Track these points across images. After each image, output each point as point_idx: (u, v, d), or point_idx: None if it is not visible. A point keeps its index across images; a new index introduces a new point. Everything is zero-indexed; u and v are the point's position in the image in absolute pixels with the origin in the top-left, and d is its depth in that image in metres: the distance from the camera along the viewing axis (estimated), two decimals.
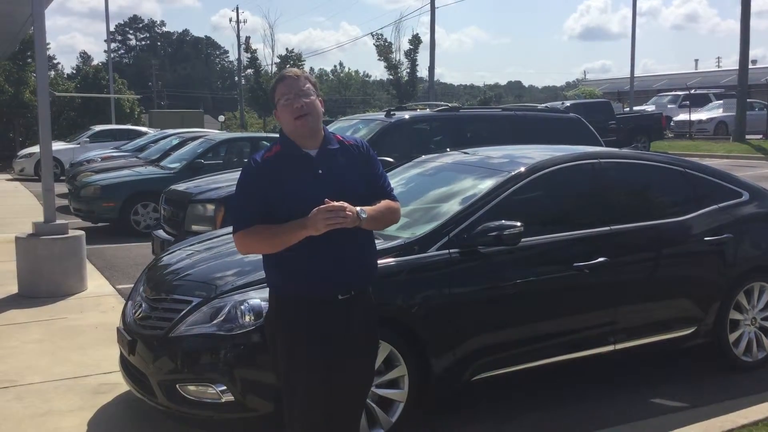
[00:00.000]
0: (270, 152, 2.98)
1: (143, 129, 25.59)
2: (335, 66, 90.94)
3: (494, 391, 4.47)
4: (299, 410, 2.95)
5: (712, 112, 30.52)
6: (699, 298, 4.91)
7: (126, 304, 4.59)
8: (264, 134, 17.15)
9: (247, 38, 49.84)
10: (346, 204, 2.77)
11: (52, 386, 4.83)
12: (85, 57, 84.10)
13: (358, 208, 2.81)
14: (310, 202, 2.77)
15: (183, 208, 7.97)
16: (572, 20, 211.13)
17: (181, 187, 8.72)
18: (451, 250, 4.12)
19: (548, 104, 21.12)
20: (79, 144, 22.51)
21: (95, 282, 7.81)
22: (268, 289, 3.59)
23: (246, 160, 3.42)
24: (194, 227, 7.59)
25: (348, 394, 3.04)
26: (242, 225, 2.91)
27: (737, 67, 28.16)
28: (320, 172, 2.91)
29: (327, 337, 2.91)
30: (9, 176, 24.06)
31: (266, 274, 3.06)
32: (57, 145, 20.16)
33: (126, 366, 4.25)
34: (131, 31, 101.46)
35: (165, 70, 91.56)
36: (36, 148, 21.17)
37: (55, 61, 74.05)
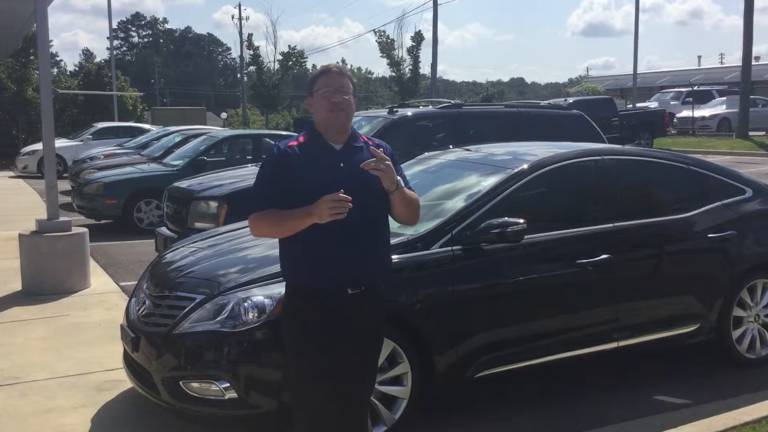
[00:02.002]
0: (295, 141, 3.04)
1: (146, 126, 25.62)
2: (338, 63, 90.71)
3: (497, 388, 4.47)
4: (308, 408, 3.00)
5: (715, 108, 30.41)
6: (702, 295, 4.90)
7: (129, 301, 4.60)
8: (266, 131, 17.14)
9: (250, 35, 49.76)
10: (387, 158, 2.84)
11: (55, 383, 4.83)
12: (87, 54, 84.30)
13: (398, 178, 2.92)
14: (330, 193, 2.80)
15: (186, 206, 7.97)
16: (575, 17, 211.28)
17: (184, 184, 8.72)
18: (454, 248, 4.12)
19: (551, 101, 21.11)
20: (81, 141, 22.53)
21: (98, 279, 7.81)
22: (271, 285, 3.63)
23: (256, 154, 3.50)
24: (197, 224, 7.60)
25: (353, 391, 3.06)
26: (256, 208, 2.98)
27: (740, 64, 28.09)
28: (342, 165, 2.96)
29: (335, 331, 2.94)
30: (12, 173, 24.10)
31: (281, 265, 3.10)
32: (60, 143, 20.13)
33: (129, 363, 4.26)
34: (134, 29, 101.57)
35: (167, 68, 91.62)
36: (39, 146, 21.24)
37: (57, 59, 74.11)
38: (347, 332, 2.96)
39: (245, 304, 3.74)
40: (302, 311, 2.97)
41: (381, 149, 3.00)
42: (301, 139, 3.04)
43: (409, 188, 3.10)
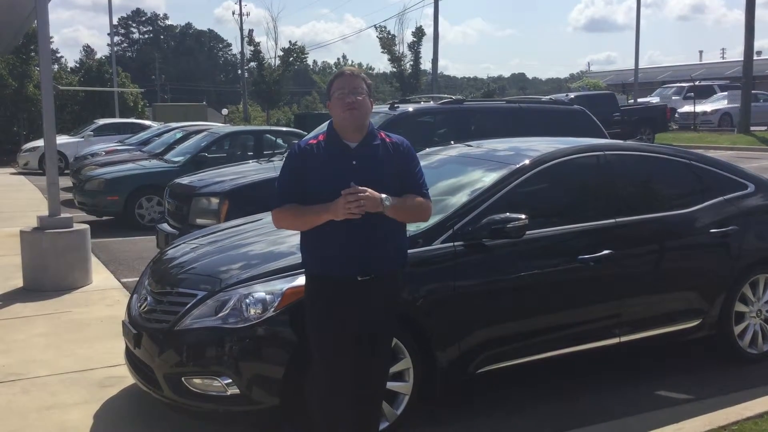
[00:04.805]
0: (314, 139, 3.24)
1: (147, 122, 25.60)
2: (338, 59, 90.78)
3: (499, 384, 4.47)
4: (323, 393, 3.23)
5: (717, 103, 30.36)
6: (704, 291, 4.90)
7: (131, 298, 4.60)
8: (267, 127, 17.12)
9: (251, 31, 49.86)
10: (367, 189, 2.97)
11: (57, 379, 4.84)
12: (88, 50, 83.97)
13: (382, 195, 3.01)
14: (340, 189, 2.99)
15: (187, 202, 7.97)
16: (577, 11, 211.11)
17: (185, 180, 8.72)
18: (456, 243, 4.12)
19: (552, 96, 21.05)
20: (83, 138, 22.54)
21: (100, 275, 7.82)
22: (273, 282, 3.71)
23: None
24: (198, 221, 7.60)
25: (365, 379, 3.24)
26: (278, 202, 3.21)
27: (742, 59, 28.04)
28: (354, 163, 3.12)
29: (349, 316, 3.14)
30: (13, 170, 24.12)
31: (301, 254, 3.33)
32: (61, 139, 20.15)
33: (131, 359, 4.26)
34: (134, 25, 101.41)
35: (168, 64, 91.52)
36: (40, 142, 21.22)
37: (58, 55, 73.93)
38: (360, 317, 3.15)
39: (247, 300, 3.74)
40: (318, 297, 3.20)
41: (399, 144, 3.23)
42: (321, 137, 3.22)
43: (423, 189, 3.25)
